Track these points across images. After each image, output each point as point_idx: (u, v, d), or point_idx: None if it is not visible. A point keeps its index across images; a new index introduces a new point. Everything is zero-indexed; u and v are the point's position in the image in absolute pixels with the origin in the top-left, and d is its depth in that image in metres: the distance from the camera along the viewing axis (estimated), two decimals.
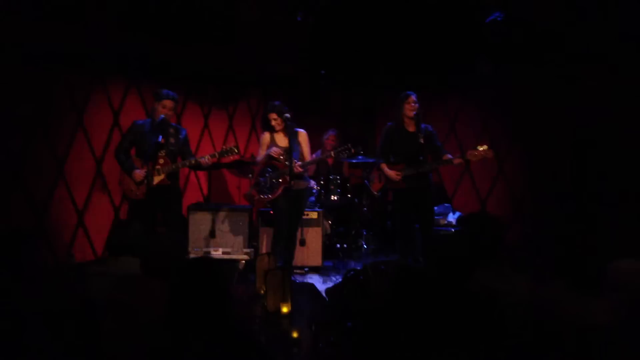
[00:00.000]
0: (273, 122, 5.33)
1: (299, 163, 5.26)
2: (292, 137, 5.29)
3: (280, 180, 5.31)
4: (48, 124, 5.72)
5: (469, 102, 7.26)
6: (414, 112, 5.35)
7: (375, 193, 5.83)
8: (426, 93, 5.81)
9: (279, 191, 5.31)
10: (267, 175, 5.38)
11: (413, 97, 5.36)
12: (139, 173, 4.98)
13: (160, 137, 4.98)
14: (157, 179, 5.00)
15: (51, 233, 5.69)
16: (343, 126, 7.48)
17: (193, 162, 5.13)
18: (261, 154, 5.45)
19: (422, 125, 5.37)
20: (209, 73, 6.90)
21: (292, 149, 5.20)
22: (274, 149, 5.33)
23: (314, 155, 5.84)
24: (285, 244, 5.48)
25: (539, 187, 6.58)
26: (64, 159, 5.84)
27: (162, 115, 5.04)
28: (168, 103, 5.09)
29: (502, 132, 6.98)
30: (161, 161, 5.02)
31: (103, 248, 6.11)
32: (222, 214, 6.22)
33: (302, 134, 5.46)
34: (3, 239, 2.94)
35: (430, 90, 6.79)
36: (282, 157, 5.32)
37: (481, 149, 5.23)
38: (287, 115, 5.26)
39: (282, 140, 5.39)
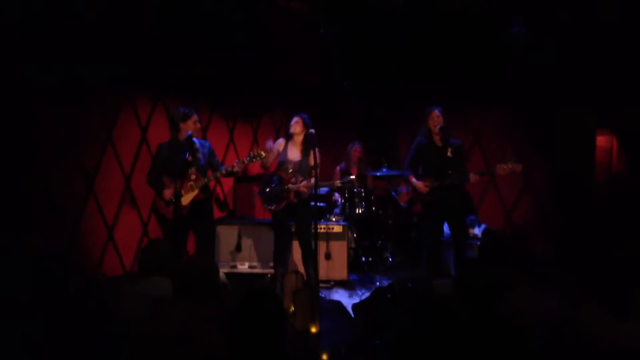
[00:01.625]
0: (294, 124, 5.30)
1: (304, 183, 5.23)
2: (307, 152, 5.29)
3: (285, 195, 5.31)
4: (78, 140, 5.83)
5: (492, 113, 7.22)
6: (439, 126, 5.41)
7: (402, 204, 5.89)
8: (449, 105, 5.81)
9: (282, 204, 5.33)
10: (272, 185, 5.39)
11: (436, 112, 5.46)
12: (168, 192, 5.05)
13: (187, 154, 5.03)
14: (191, 196, 5.06)
15: (82, 249, 5.79)
16: (366, 138, 7.49)
17: (224, 171, 5.18)
18: (270, 155, 5.39)
19: (452, 140, 5.44)
20: (234, 87, 6.98)
21: (313, 166, 5.17)
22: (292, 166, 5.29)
23: (337, 168, 5.77)
24: (304, 259, 5.46)
25: (567, 200, 6.50)
26: (94, 175, 5.95)
27: (190, 132, 5.12)
28: (194, 117, 5.17)
29: (527, 143, 6.92)
30: (193, 177, 5.07)
31: (132, 263, 6.22)
32: (247, 228, 6.27)
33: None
34: (35, 262, 3.02)
35: (453, 103, 6.78)
36: (290, 171, 5.33)
37: (508, 164, 5.24)
38: (312, 131, 5.24)
39: (294, 153, 5.38)
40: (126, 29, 5.64)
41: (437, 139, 5.45)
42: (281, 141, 5.45)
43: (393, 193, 6.09)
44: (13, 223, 5.05)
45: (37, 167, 5.41)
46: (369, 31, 6.68)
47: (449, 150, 5.35)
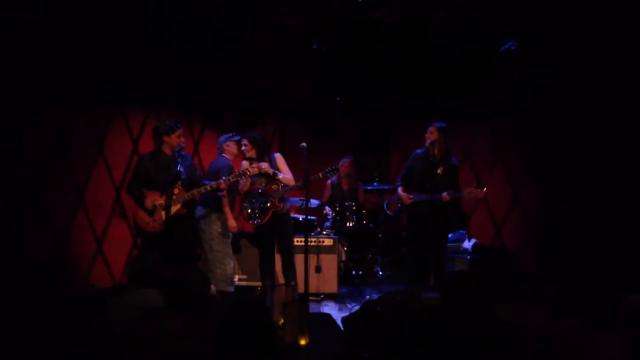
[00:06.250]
0: (243, 148, 5.43)
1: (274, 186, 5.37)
2: (271, 159, 5.43)
3: (269, 204, 5.36)
4: (69, 151, 5.82)
5: (483, 129, 7.29)
6: (429, 141, 5.49)
7: (389, 212, 6.00)
8: (439, 121, 5.87)
9: (269, 215, 5.37)
10: (253, 200, 5.43)
11: (431, 128, 5.51)
12: (149, 201, 5.02)
13: (180, 166, 5.01)
14: (173, 209, 5.02)
15: (70, 260, 5.77)
16: (358, 153, 7.53)
17: (209, 188, 5.17)
18: (241, 181, 5.46)
19: (452, 159, 5.51)
20: (226, 100, 7.00)
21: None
22: (264, 164, 5.36)
23: (328, 182, 5.79)
24: (285, 270, 5.48)
25: (556, 215, 6.54)
26: (85, 186, 5.94)
27: (183, 144, 5.12)
28: (179, 132, 5.14)
29: (517, 158, 6.99)
30: (176, 191, 5.04)
31: (121, 274, 6.19)
32: (239, 242, 6.26)
33: (278, 157, 5.55)
34: (23, 271, 3.02)
35: (444, 118, 6.83)
36: (263, 183, 5.41)
37: (471, 188, 5.44)
38: (304, 144, 5.23)
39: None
40: (119, 40, 5.68)
41: (433, 154, 5.47)
42: (245, 163, 5.49)
43: (385, 202, 6.17)
44: (2, 232, 5.04)
45: (27, 177, 5.40)
46: (361, 47, 6.75)
47: (441, 167, 5.42)
